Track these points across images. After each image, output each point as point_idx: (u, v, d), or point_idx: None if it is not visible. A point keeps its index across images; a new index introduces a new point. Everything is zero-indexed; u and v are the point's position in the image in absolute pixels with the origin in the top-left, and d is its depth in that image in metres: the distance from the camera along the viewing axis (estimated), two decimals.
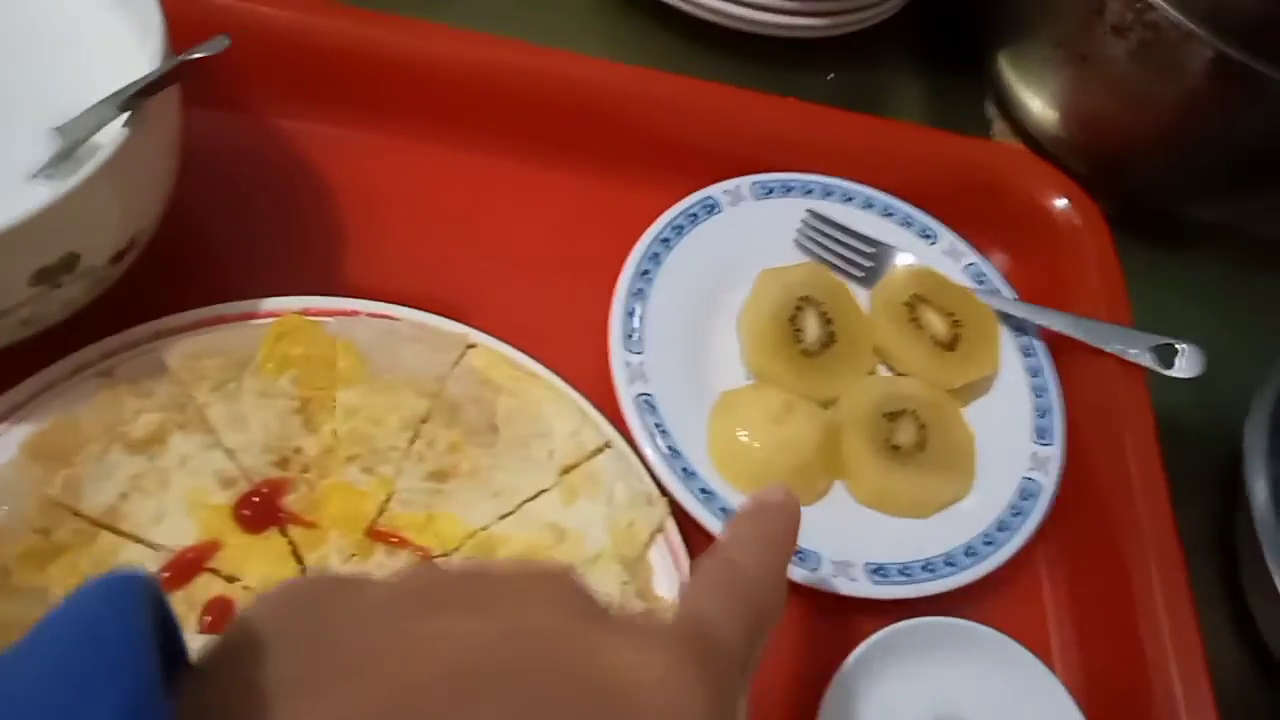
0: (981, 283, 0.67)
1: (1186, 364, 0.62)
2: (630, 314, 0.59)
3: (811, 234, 0.66)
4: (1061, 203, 0.70)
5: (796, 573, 0.54)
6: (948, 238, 0.68)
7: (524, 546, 0.51)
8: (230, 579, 0.47)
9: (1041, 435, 0.62)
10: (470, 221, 0.63)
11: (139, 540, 0.46)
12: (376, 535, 0.49)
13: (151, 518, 0.47)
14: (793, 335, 0.60)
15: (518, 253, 0.63)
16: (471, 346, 0.54)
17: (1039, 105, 0.76)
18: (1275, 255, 0.83)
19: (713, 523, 0.54)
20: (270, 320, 0.51)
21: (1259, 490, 0.61)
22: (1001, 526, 0.58)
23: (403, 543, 0.49)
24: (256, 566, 0.47)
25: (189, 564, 0.46)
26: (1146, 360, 0.62)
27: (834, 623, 0.55)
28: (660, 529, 0.52)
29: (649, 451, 0.54)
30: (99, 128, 0.44)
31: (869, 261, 0.66)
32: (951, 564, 0.56)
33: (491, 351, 0.54)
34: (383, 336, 0.52)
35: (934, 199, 0.69)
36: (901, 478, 0.57)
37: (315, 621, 0.28)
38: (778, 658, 0.54)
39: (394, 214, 0.62)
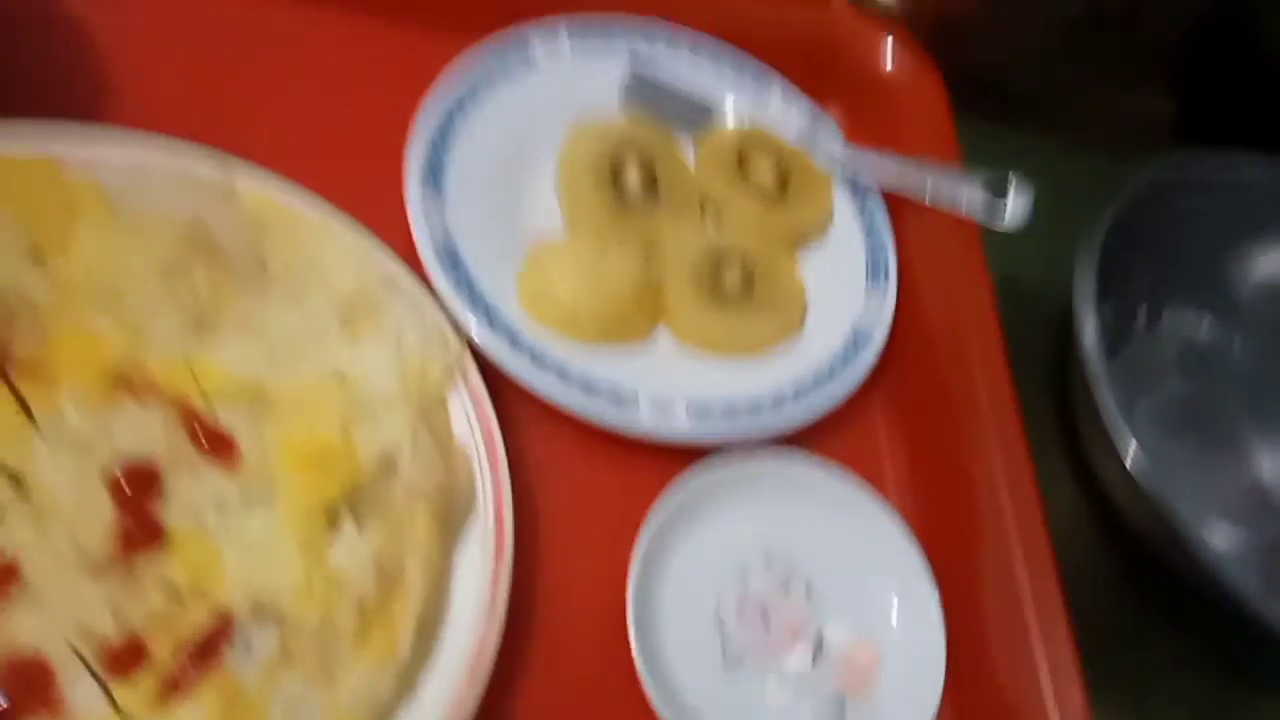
0: (814, 130, 0.64)
1: (1015, 204, 0.60)
2: (432, 149, 0.53)
3: (638, 86, 0.62)
4: (893, 53, 0.68)
5: (614, 418, 0.50)
6: (779, 83, 0.65)
7: (299, 393, 0.45)
8: None
9: (874, 280, 0.60)
10: (246, 52, 0.56)
11: None
12: (122, 384, 0.44)
13: None
14: (612, 185, 0.56)
15: (301, 87, 0.56)
16: (233, 182, 0.48)
17: None
18: (1100, 125, 0.83)
19: (518, 369, 0.49)
20: None
21: (1088, 331, 0.60)
22: (833, 367, 0.56)
23: (153, 391, 0.44)
24: None
25: None
26: (979, 208, 0.61)
27: (658, 464, 0.51)
28: (459, 372, 0.48)
29: (446, 291, 0.50)
30: None
31: (695, 114, 0.63)
32: (779, 405, 0.53)
33: (257, 188, 0.48)
34: (131, 167, 0.46)
35: (767, 53, 0.66)
36: (723, 316, 0.54)
37: None
38: (589, 507, 0.51)
39: (149, 34, 0.54)
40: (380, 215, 0.51)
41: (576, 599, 0.48)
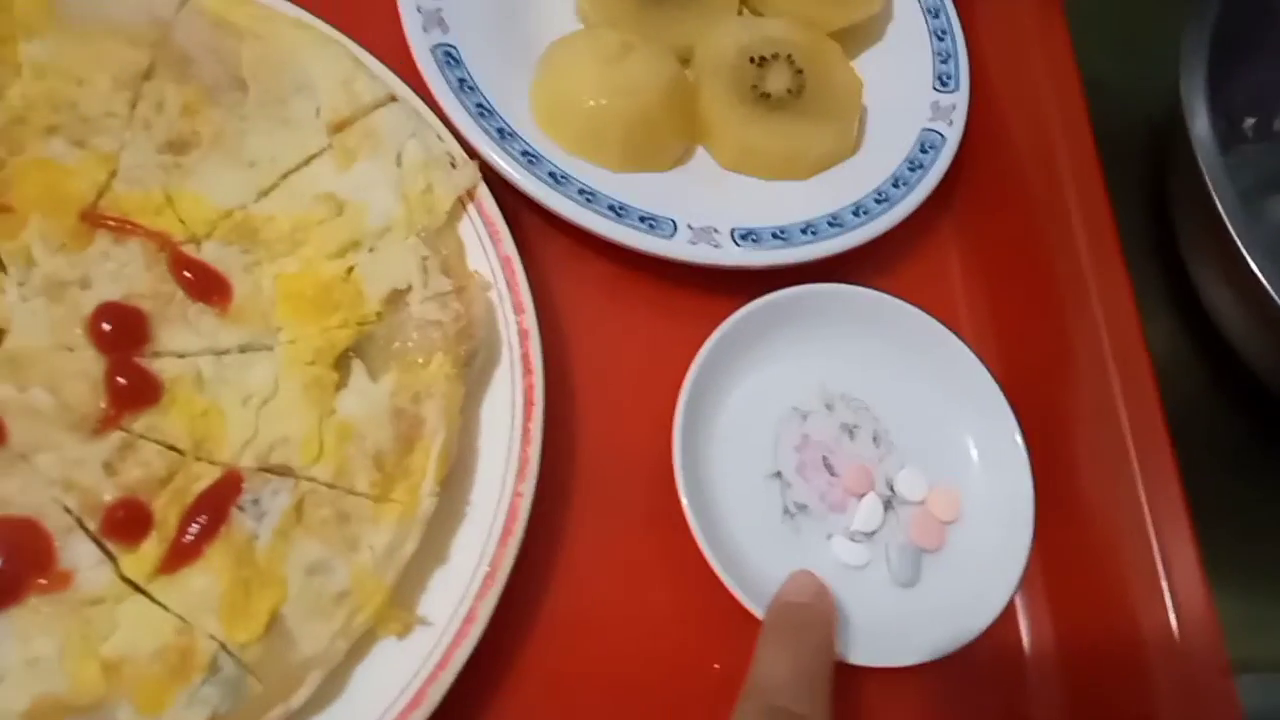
0: None
1: None
2: None
3: None
4: None
5: (646, 242, 0.44)
6: None
7: (291, 225, 0.40)
8: None
9: (944, 82, 0.52)
10: None
11: None
12: (94, 220, 0.38)
13: None
14: None
15: None
16: None
17: None
18: None
19: (537, 188, 0.43)
20: None
21: (1200, 133, 0.52)
22: (898, 182, 0.49)
23: (132, 228, 0.39)
24: None
25: None
26: None
27: (702, 303, 0.46)
28: (470, 196, 0.42)
29: (452, 108, 0.43)
30: None
31: None
32: (838, 224, 0.47)
33: None
34: None
35: None
36: (772, 128, 0.47)
37: None
38: (628, 350, 0.46)
39: None
40: (368, 21, 0.44)
41: (618, 447, 0.44)
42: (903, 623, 0.41)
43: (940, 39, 0.53)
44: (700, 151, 0.49)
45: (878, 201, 0.48)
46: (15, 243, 0.37)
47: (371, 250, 0.40)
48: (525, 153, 0.44)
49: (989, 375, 0.45)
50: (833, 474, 0.44)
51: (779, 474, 0.44)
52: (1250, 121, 0.63)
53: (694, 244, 0.44)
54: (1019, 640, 0.46)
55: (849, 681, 0.39)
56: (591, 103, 0.44)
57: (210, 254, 0.39)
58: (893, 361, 0.46)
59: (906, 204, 0.48)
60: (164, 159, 0.40)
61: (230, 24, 0.41)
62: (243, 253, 0.40)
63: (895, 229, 0.48)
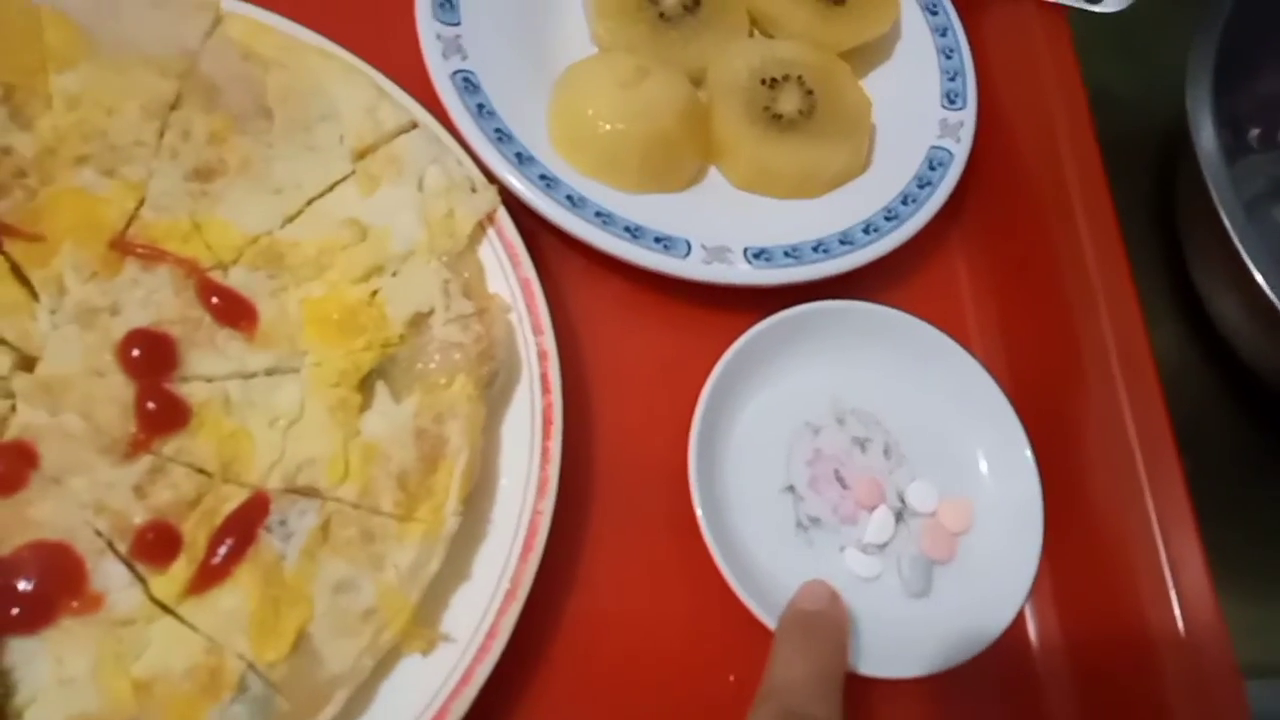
0: None
1: None
2: None
3: None
4: None
5: (662, 262, 0.45)
6: None
7: (317, 250, 0.41)
8: None
9: (951, 99, 0.53)
10: None
11: None
12: (124, 247, 0.39)
13: None
14: None
15: None
16: (225, 14, 0.43)
17: None
18: None
19: (555, 212, 0.44)
20: None
21: (1205, 145, 0.53)
22: (906, 200, 0.49)
23: (160, 255, 0.40)
24: None
25: None
26: None
27: (715, 321, 0.46)
28: (490, 220, 0.43)
29: (471, 133, 0.44)
30: None
31: None
32: (848, 242, 0.47)
33: (251, 19, 0.43)
34: (105, 4, 0.41)
35: None
36: (784, 148, 0.48)
37: None
38: (654, 369, 0.46)
39: None
40: (390, 49, 0.45)
41: (634, 464, 0.44)
42: (915, 633, 0.42)
43: (948, 57, 0.54)
44: (713, 171, 0.50)
45: (887, 219, 0.48)
46: (47, 270, 0.38)
47: (395, 274, 0.41)
48: (543, 176, 0.45)
49: (998, 388, 0.46)
50: (845, 487, 0.45)
51: (792, 487, 0.44)
52: (1255, 132, 0.64)
53: (708, 263, 0.45)
54: (1029, 647, 0.46)
55: (862, 692, 0.40)
56: (608, 127, 0.45)
57: (237, 279, 0.40)
58: (903, 375, 0.47)
59: (915, 221, 0.49)
60: (191, 186, 0.41)
61: (256, 54, 0.42)
62: (269, 278, 0.41)
63: (905, 244, 0.49)
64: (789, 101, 0.49)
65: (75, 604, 0.34)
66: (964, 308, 0.52)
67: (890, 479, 0.45)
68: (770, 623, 0.39)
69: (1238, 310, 0.51)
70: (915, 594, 0.43)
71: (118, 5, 0.41)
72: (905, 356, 0.47)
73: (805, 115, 0.49)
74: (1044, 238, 0.50)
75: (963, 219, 0.53)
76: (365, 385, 0.40)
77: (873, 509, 0.44)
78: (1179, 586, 0.42)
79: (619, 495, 0.44)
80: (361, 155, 0.42)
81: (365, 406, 0.39)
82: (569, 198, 0.45)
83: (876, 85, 0.53)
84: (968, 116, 0.52)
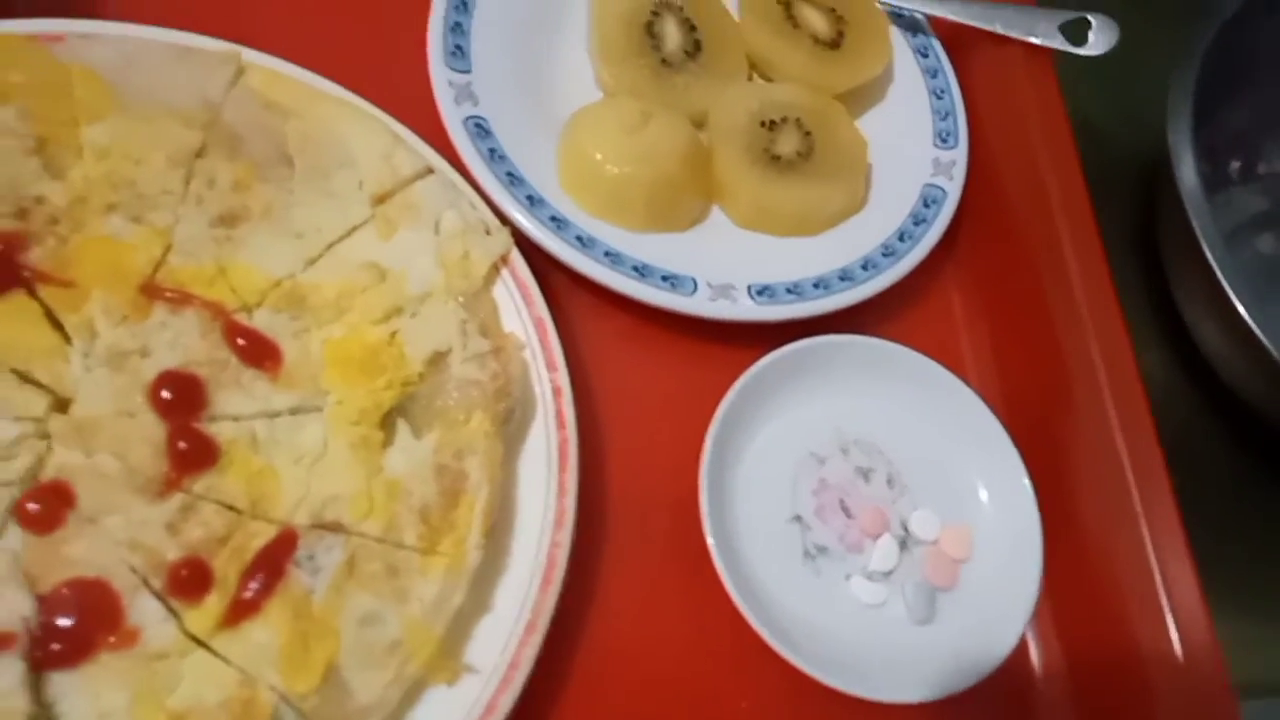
0: None
1: (1099, 38, 0.55)
2: (453, 28, 0.49)
3: None
4: None
5: (669, 299, 0.46)
6: None
7: (337, 292, 0.43)
8: None
9: (944, 139, 0.55)
10: None
11: None
12: (152, 292, 0.41)
13: None
14: (650, 43, 0.51)
15: None
16: (246, 66, 0.44)
17: None
18: None
19: (566, 252, 0.46)
20: None
21: (1185, 177, 0.55)
22: (903, 236, 0.51)
23: (187, 299, 0.41)
24: (3, 333, 0.39)
25: None
26: (1056, 42, 0.55)
27: (720, 356, 0.48)
28: (503, 261, 0.45)
29: (484, 177, 0.46)
30: None
31: None
32: (848, 279, 0.49)
33: (271, 70, 0.44)
34: (131, 59, 0.43)
35: None
36: (784, 189, 0.50)
37: None
38: (661, 403, 0.48)
39: None
40: (404, 97, 0.47)
41: (646, 496, 0.46)
42: (920, 658, 0.44)
43: (939, 97, 0.56)
44: (715, 210, 0.51)
45: (884, 255, 0.50)
46: (79, 315, 0.40)
47: (413, 315, 0.42)
48: (553, 218, 0.47)
49: (995, 418, 0.48)
50: (849, 516, 0.46)
51: (799, 517, 0.46)
52: (1235, 165, 0.66)
53: (713, 300, 0.47)
54: (1029, 669, 0.48)
55: (868, 717, 0.42)
56: (614, 170, 0.47)
57: (261, 321, 0.42)
58: (903, 406, 0.48)
59: (911, 258, 0.51)
60: (216, 232, 0.42)
61: (277, 103, 0.44)
62: (292, 319, 0.42)
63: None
64: (788, 143, 0.51)
65: (112, 639, 0.35)
66: (959, 338, 0.54)
67: (894, 507, 0.47)
68: (782, 650, 0.40)
69: (1219, 335, 0.53)
70: (920, 620, 0.45)
71: (143, 59, 0.43)
72: (905, 388, 0.48)
73: (804, 156, 0.51)
74: (1034, 269, 0.52)
75: (955, 253, 0.55)
76: (386, 423, 0.41)
77: (877, 537, 0.46)
78: (1173, 606, 0.43)
79: (631, 525, 0.45)
80: (379, 201, 0.44)
81: (387, 443, 0.41)
82: (578, 238, 0.47)
83: (871, 125, 0.55)
84: (959, 155, 0.54)
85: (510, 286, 0.45)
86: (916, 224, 0.52)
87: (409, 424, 0.41)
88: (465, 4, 0.50)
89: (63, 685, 0.34)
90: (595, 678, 0.42)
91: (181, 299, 0.41)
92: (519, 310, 0.44)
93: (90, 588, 0.36)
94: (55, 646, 0.34)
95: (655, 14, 0.52)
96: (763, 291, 0.48)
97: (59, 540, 0.36)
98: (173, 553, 0.37)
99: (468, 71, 0.49)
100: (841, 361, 0.48)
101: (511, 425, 0.42)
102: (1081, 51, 0.55)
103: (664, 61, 0.52)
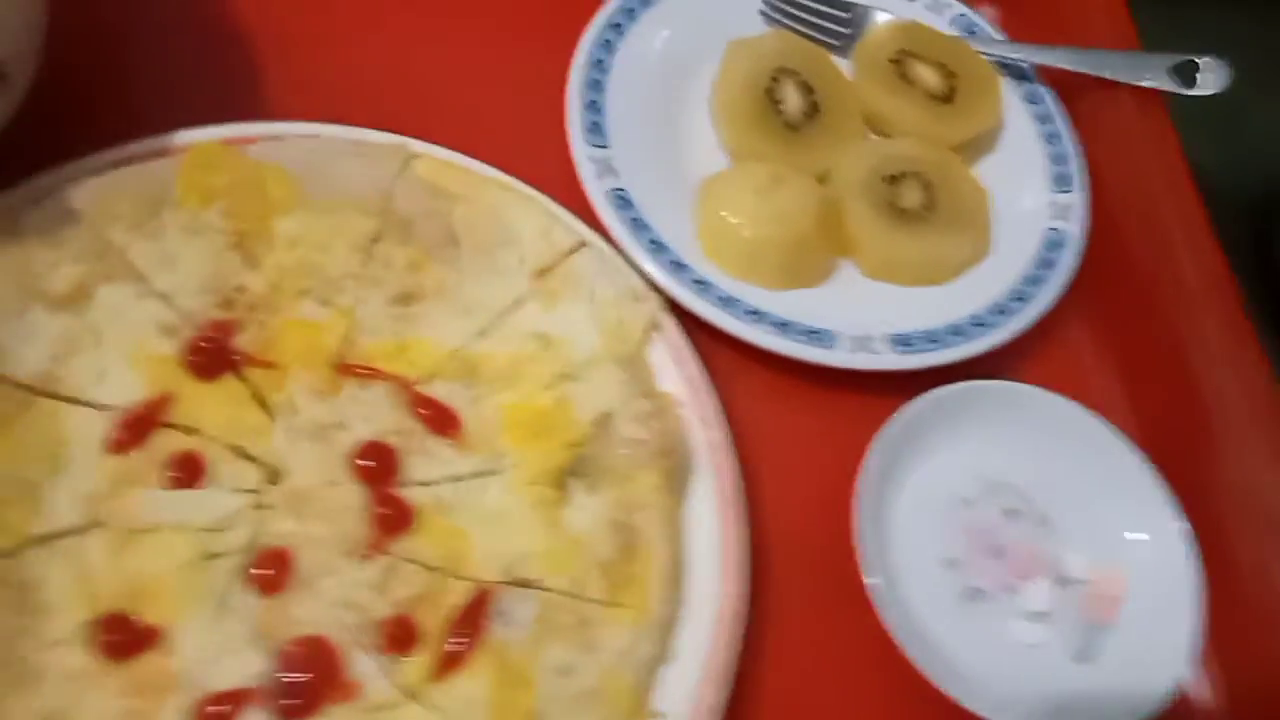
0: (972, 33, 0.60)
1: (1209, 79, 0.56)
2: (589, 106, 0.53)
3: (779, 4, 0.59)
4: None
5: (812, 353, 0.49)
6: None
7: (508, 361, 0.46)
8: (190, 430, 0.42)
9: (1060, 183, 0.56)
10: (398, 35, 0.57)
11: (82, 402, 0.42)
12: (344, 369, 0.44)
13: (92, 377, 0.42)
14: (772, 108, 0.54)
15: (454, 60, 0.56)
16: (414, 157, 0.48)
17: None
18: None
19: (711, 314, 0.48)
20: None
21: None
22: (1030, 281, 0.53)
23: (374, 373, 0.45)
24: (216, 414, 0.42)
25: (142, 421, 0.42)
26: (1165, 84, 0.57)
27: (863, 404, 0.50)
28: (655, 325, 0.48)
29: (631, 247, 0.49)
30: None
31: (845, 27, 0.60)
32: (981, 324, 0.51)
33: (436, 159, 0.48)
34: (314, 156, 0.47)
35: None
36: (912, 241, 0.52)
37: None
38: (809, 453, 0.50)
39: (315, 35, 0.55)
40: (550, 175, 0.51)
41: (799, 542, 0.48)
42: (1081, 698, 0.45)
43: (1051, 143, 0.58)
44: (845, 263, 0.54)
45: (1015, 300, 0.52)
46: (282, 394, 0.43)
47: (578, 380, 0.45)
48: (696, 281, 0.49)
49: (1140, 458, 0.48)
50: (1002, 557, 0.48)
51: (952, 560, 0.47)
52: None
53: (853, 352, 0.49)
54: (1191, 709, 0.47)
55: None
56: (750, 233, 0.50)
57: (440, 391, 0.45)
58: (1045, 448, 0.49)
59: (1041, 301, 0.52)
60: (394, 310, 0.46)
61: (443, 189, 0.48)
62: (466, 388, 0.45)
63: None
64: (910, 196, 0.53)
65: (336, 693, 0.38)
66: (1089, 378, 0.55)
67: (1044, 548, 0.48)
68: (952, 693, 0.42)
69: None
70: (1080, 660, 0.46)
71: (324, 155, 0.47)
72: (1046, 430, 0.49)
73: (927, 208, 0.53)
74: (1161, 306, 0.54)
75: (1080, 294, 0.56)
76: (561, 482, 0.44)
77: (1031, 578, 0.47)
78: None
79: (787, 571, 0.47)
80: (541, 274, 0.47)
81: (563, 502, 0.43)
82: (721, 299, 0.49)
83: (987, 173, 0.57)
84: (1077, 198, 0.56)
85: (663, 349, 0.47)
86: (1042, 268, 0.53)
87: (582, 482, 0.44)
88: (599, 83, 0.54)
89: None
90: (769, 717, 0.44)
91: (369, 373, 0.45)
92: (673, 370, 0.47)
93: (315, 645, 0.39)
94: (291, 701, 0.38)
95: (775, 80, 0.55)
96: (901, 341, 0.50)
97: (284, 602, 0.40)
98: (381, 611, 0.40)
99: (606, 147, 0.52)
100: (982, 405, 0.49)
101: (677, 481, 0.44)
102: (1192, 92, 0.56)
103: (786, 124, 0.54)
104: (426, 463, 0.43)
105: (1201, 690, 0.48)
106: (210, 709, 0.38)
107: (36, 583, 0.39)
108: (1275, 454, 0.47)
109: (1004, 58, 0.59)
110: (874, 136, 0.58)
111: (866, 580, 0.44)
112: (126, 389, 0.42)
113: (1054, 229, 0.55)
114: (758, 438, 0.50)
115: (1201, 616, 0.45)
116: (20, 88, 0.43)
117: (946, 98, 0.56)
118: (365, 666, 0.39)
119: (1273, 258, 0.61)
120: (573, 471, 0.44)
